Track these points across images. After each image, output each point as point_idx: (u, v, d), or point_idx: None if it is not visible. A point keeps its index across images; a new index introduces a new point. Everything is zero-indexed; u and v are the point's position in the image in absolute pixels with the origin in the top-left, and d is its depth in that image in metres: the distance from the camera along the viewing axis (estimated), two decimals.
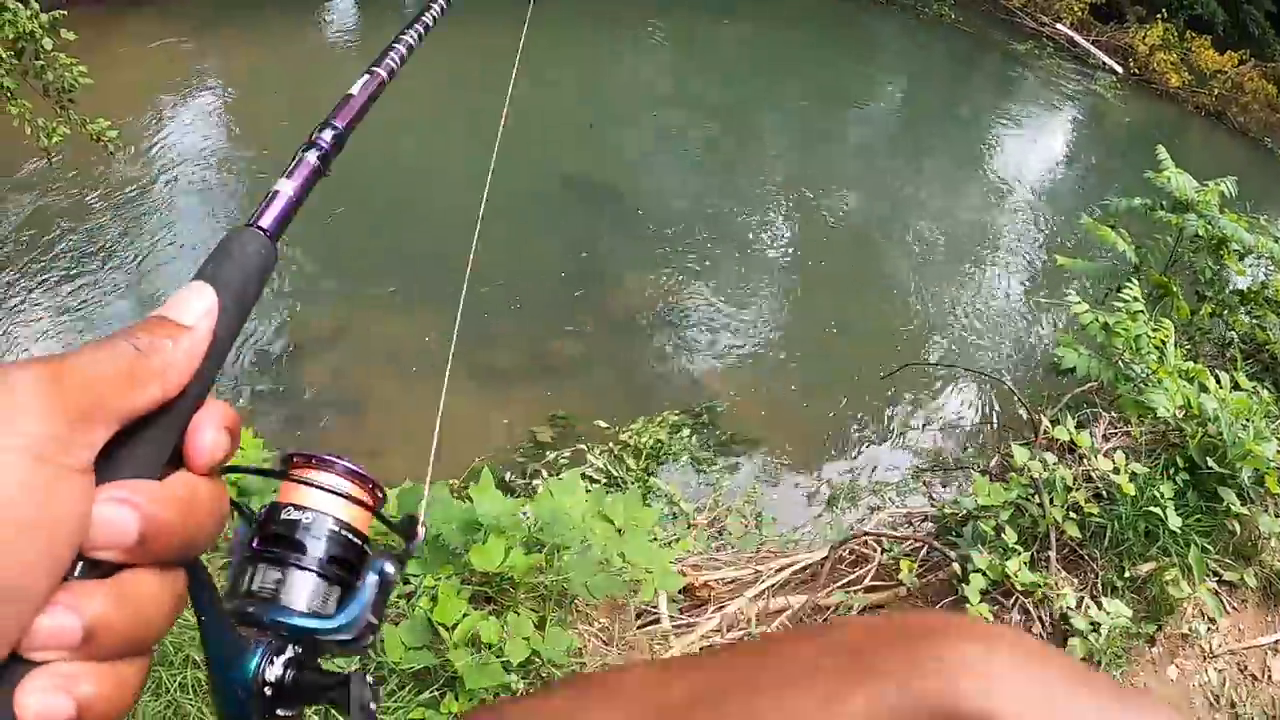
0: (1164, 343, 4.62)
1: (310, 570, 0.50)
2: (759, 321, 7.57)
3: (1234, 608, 3.95)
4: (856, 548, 4.42)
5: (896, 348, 7.19)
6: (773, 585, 4.23)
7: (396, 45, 0.81)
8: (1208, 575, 3.81)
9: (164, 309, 0.46)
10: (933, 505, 4.79)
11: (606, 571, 3.21)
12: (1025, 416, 5.32)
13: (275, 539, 0.51)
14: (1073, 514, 3.74)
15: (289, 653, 0.49)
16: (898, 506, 5.33)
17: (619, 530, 3.37)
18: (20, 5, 5.71)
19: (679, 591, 4.10)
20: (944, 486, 5.57)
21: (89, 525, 0.39)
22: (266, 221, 0.53)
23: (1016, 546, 3.65)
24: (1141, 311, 4.72)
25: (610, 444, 5.86)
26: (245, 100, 10.40)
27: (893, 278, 8.43)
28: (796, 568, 4.38)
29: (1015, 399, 5.73)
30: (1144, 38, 15.44)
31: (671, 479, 5.68)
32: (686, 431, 6.04)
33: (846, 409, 6.62)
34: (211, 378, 0.45)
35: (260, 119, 9.98)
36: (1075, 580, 3.74)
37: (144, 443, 0.42)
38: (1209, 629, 3.83)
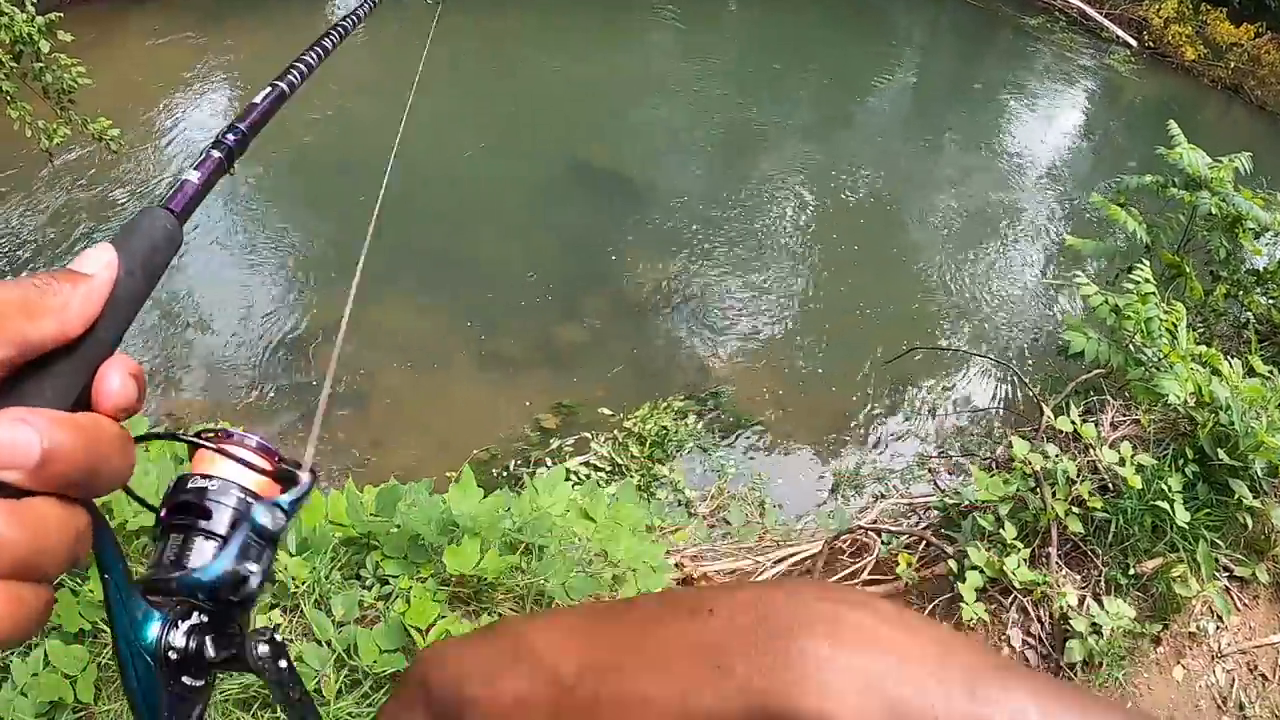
0: (1176, 325, 4.49)
1: (215, 535, 0.51)
2: (767, 306, 7.47)
3: (1244, 605, 3.80)
4: (858, 538, 4.31)
5: (906, 331, 7.08)
6: (770, 578, 4.13)
7: (298, 64, 0.93)
8: (1217, 572, 3.67)
9: (70, 264, 0.47)
10: (937, 494, 4.66)
11: (587, 571, 3.12)
12: (1036, 402, 5.20)
13: (183, 506, 0.52)
14: (1076, 508, 3.60)
15: (193, 619, 0.50)
16: (901, 495, 5.22)
17: (600, 528, 3.28)
18: (16, 9, 5.72)
19: (677, 583, 4.03)
20: (950, 474, 5.45)
21: None
22: (175, 205, 0.57)
23: (1016, 542, 3.51)
24: (1153, 293, 4.58)
25: (615, 431, 5.81)
26: (252, 92, 10.33)
27: (903, 259, 8.30)
28: (795, 559, 4.27)
29: (1022, 383, 5.62)
30: (1158, 10, 15.12)
31: (676, 466, 5.62)
32: (692, 418, 5.98)
33: (854, 394, 6.53)
34: (118, 333, 0.48)
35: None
36: (1077, 577, 3.61)
37: (49, 378, 0.44)
38: (1218, 628, 3.69)
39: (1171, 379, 4.08)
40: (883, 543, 4.14)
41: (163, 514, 0.53)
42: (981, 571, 3.45)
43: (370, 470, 5.66)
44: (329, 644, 2.72)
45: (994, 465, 4.66)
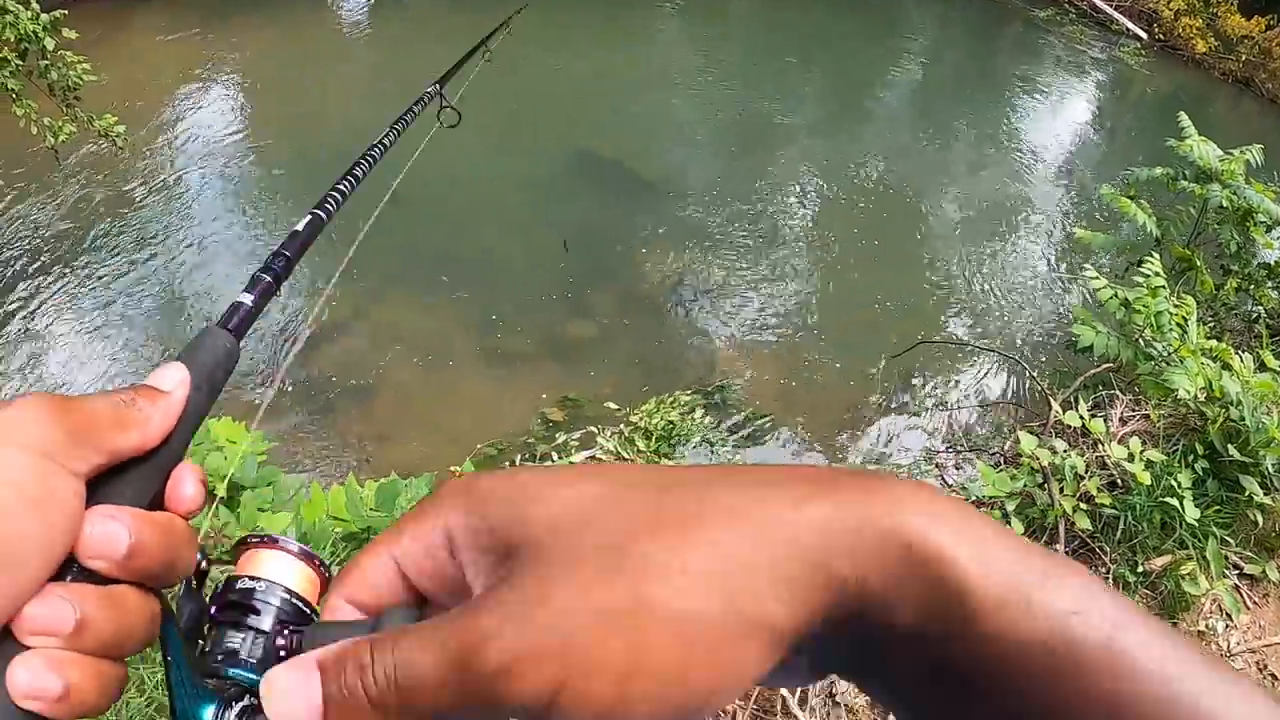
0: (1186, 320, 4.44)
1: (262, 631, 0.53)
2: (775, 300, 7.44)
3: (1254, 603, 3.75)
4: None
5: (915, 324, 7.04)
6: None
7: (333, 193, 1.03)
8: (1227, 569, 3.61)
9: (148, 380, 0.53)
10: (945, 489, 4.62)
11: None
12: (1044, 396, 5.16)
13: (231, 605, 0.54)
14: (1084, 504, 3.55)
15: (245, 701, 0.52)
16: None
17: None
18: (21, 7, 5.76)
19: None
20: (957, 469, 5.40)
21: (80, 527, 0.44)
22: (232, 325, 0.64)
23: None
24: (1163, 287, 4.54)
25: (621, 426, 5.78)
26: (258, 90, 10.47)
27: (912, 252, 8.26)
28: None
29: (1030, 377, 5.58)
30: (1168, 3, 15.00)
31: (683, 461, 5.57)
32: (699, 412, 5.95)
33: (862, 388, 6.49)
34: (187, 441, 0.53)
35: (273, 108, 10.07)
36: None
37: (131, 481, 0.49)
38: (1227, 626, 3.64)
39: (1181, 374, 4.04)
40: None
41: (213, 610, 0.55)
42: None
43: (375, 465, 5.66)
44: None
45: (1003, 460, 4.63)
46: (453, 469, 5.09)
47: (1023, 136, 10.94)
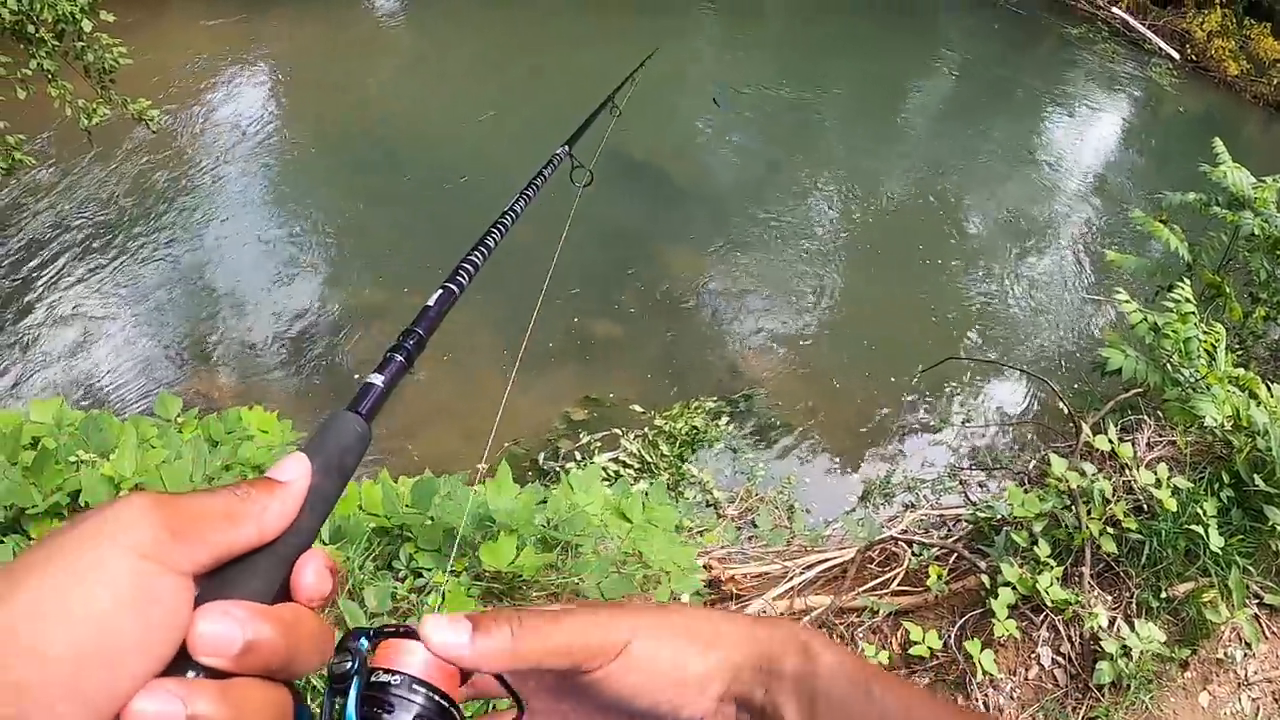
0: (1215, 346, 4.46)
1: None
2: (803, 309, 7.47)
3: (1273, 633, 3.78)
4: (887, 547, 4.31)
5: (941, 338, 7.07)
6: (800, 584, 4.14)
7: (464, 265, 1.05)
8: (1248, 599, 3.64)
9: (268, 471, 0.54)
10: (968, 507, 4.65)
11: (621, 571, 3.13)
12: (1070, 418, 5.18)
13: (369, 701, 0.54)
14: (1110, 528, 3.58)
15: None
16: (932, 506, 5.21)
17: (635, 528, 3.29)
18: None
19: (705, 584, 4.04)
20: (981, 487, 5.44)
21: (187, 624, 0.44)
22: (362, 409, 0.64)
23: (1049, 560, 3.51)
24: (1193, 313, 4.55)
25: (645, 429, 5.83)
26: (294, 77, 10.53)
27: (941, 266, 8.25)
28: (825, 566, 4.28)
29: (1058, 398, 5.59)
30: (1201, 24, 14.91)
31: (705, 466, 5.63)
32: (724, 420, 5.98)
33: (887, 401, 6.51)
34: (313, 530, 0.52)
35: (309, 95, 10.14)
36: (1109, 598, 3.59)
37: (252, 573, 0.48)
38: (1245, 655, 3.67)
39: (1209, 401, 4.06)
40: (913, 554, 4.14)
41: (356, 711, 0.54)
42: (1014, 588, 3.45)
43: (400, 457, 5.71)
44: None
45: (1027, 480, 4.66)
46: (479, 466, 5.11)
47: (1053, 152, 10.93)
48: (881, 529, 4.61)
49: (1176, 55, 14.44)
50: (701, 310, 7.34)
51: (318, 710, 0.54)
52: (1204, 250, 5.72)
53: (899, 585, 4.01)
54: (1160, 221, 5.71)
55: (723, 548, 4.51)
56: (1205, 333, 4.51)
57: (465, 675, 0.59)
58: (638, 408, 6.03)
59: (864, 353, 7.00)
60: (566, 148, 2.13)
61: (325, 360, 6.33)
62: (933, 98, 12.43)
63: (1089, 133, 11.86)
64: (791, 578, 4.12)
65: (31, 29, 5.86)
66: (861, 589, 3.99)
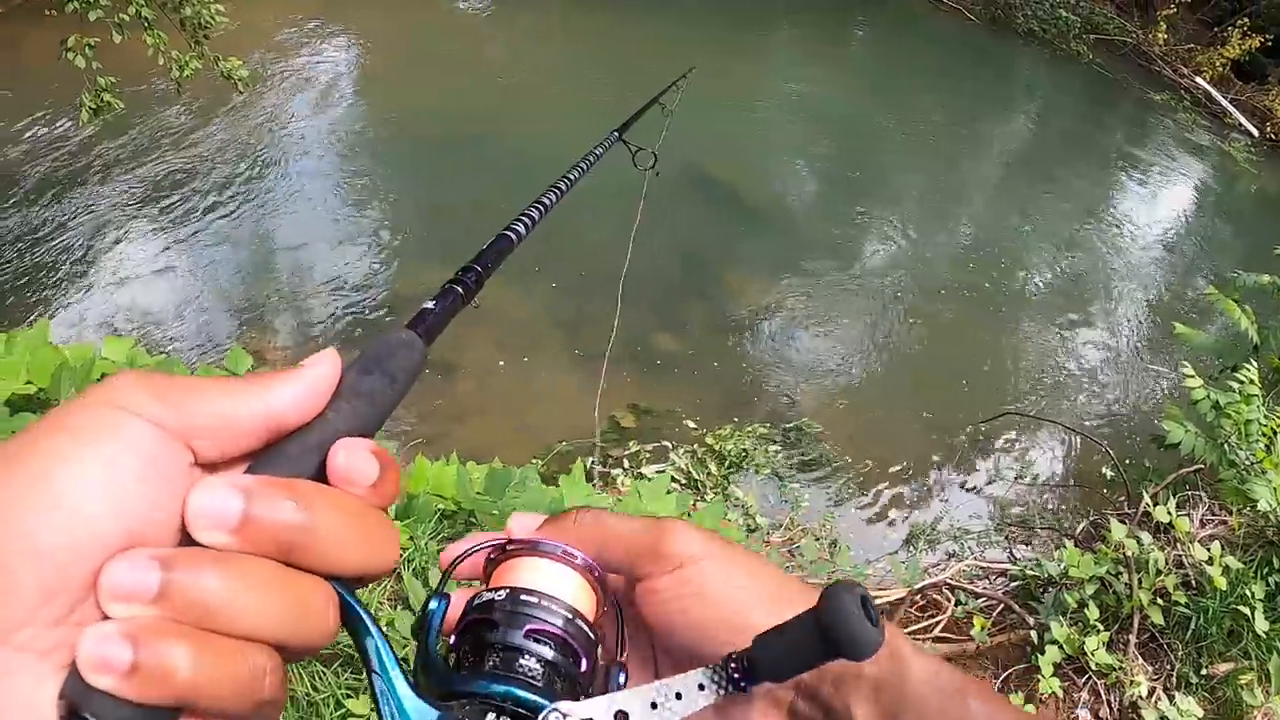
0: (1275, 432, 4.49)
1: (508, 645, 0.49)
2: (863, 346, 7.49)
3: None
4: (928, 594, 4.37)
5: (997, 389, 7.07)
6: None
7: (525, 215, 1.04)
8: None
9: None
10: (1012, 563, 4.69)
11: None
12: (1122, 484, 5.20)
13: (477, 624, 0.50)
14: (1159, 599, 3.64)
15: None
16: (976, 558, 5.23)
17: None
18: None
19: None
20: (1026, 545, 5.45)
21: (177, 492, 0.39)
22: (418, 328, 0.59)
23: (1097, 624, 3.57)
24: (1256, 395, 4.58)
25: (695, 445, 5.86)
26: (380, 55, 10.75)
27: (1004, 316, 8.26)
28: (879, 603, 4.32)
29: (1112, 465, 5.60)
30: None
31: (750, 490, 5.66)
32: (774, 447, 6.01)
33: (938, 448, 6.52)
34: (352, 427, 0.46)
35: (394, 75, 10.33)
36: (1150, 668, 3.64)
37: (273, 461, 0.43)
38: None
39: (1264, 485, 4.10)
40: (957, 602, 4.20)
41: (453, 640, 0.51)
42: (1060, 647, 3.51)
43: (447, 442, 5.77)
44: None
45: (1074, 542, 4.70)
46: (534, 460, 5.16)
47: (1124, 215, 10.88)
48: (925, 574, 4.66)
49: (1256, 131, 14.34)
50: (762, 335, 7.37)
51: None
52: (1273, 334, 5.73)
53: (941, 631, 4.07)
54: (1233, 300, 5.72)
55: None
56: (1267, 417, 4.54)
57: (604, 600, 0.54)
58: (691, 423, 6.07)
59: (919, 396, 7.01)
60: (617, 134, 2.10)
61: (380, 334, 6.45)
62: (1009, 145, 12.40)
63: (1161, 199, 11.79)
64: None
65: None
66: (905, 631, 4.05)
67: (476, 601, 0.51)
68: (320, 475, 0.43)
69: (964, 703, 0.51)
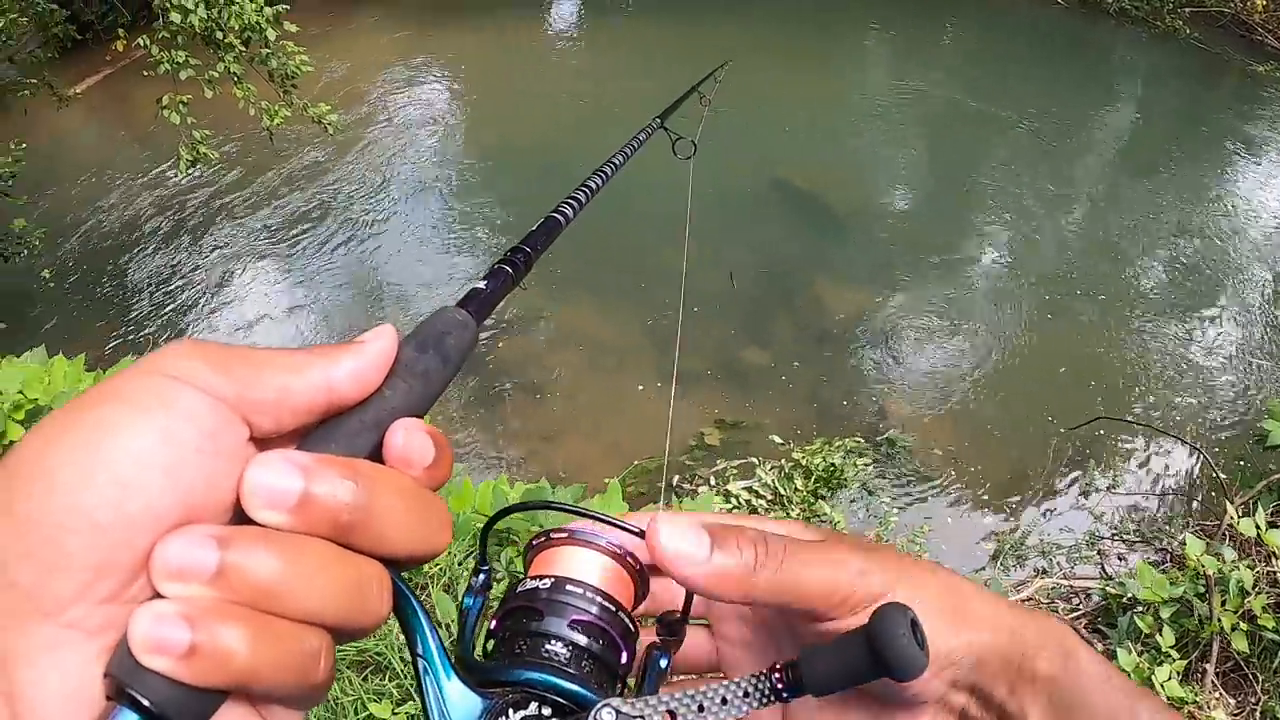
0: None
1: (553, 634, 0.49)
2: (956, 354, 7.28)
3: None
4: None
5: (1097, 395, 6.73)
6: None
7: (571, 199, 1.03)
8: None
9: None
10: (1100, 580, 4.44)
11: None
12: (1224, 495, 4.88)
13: (513, 612, 0.50)
14: (1245, 623, 3.36)
15: (529, 709, 0.46)
16: (1064, 575, 4.98)
17: None
18: None
19: None
20: (1121, 560, 5.16)
21: (233, 468, 0.38)
22: (467, 306, 0.58)
23: (1171, 651, 3.31)
24: None
25: (782, 460, 5.77)
26: (466, 92, 11.03)
27: (1104, 316, 7.86)
28: None
29: (1215, 473, 5.27)
30: None
31: (838, 505, 5.54)
32: (864, 460, 5.87)
33: (1033, 458, 6.25)
34: (411, 401, 0.46)
35: (480, 111, 10.62)
36: (1231, 701, 3.35)
37: (330, 438, 0.43)
38: None
39: None
40: None
41: (493, 626, 0.51)
42: (1129, 676, 3.27)
43: (537, 462, 5.86)
44: (448, 627, 2.84)
45: (1168, 557, 4.42)
46: (607, 481, 5.18)
47: (1236, 200, 10.20)
48: (1007, 593, 4.45)
49: None
50: (853, 346, 7.23)
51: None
52: None
53: None
54: None
55: None
56: None
57: (641, 591, 0.53)
58: (777, 438, 5.97)
59: (1013, 404, 6.76)
60: (659, 120, 2.08)
61: (471, 369, 6.52)
62: (1113, 134, 11.86)
63: (1273, 180, 11.03)
64: None
65: (220, 35, 6.33)
66: None
67: (520, 589, 0.51)
68: (376, 454, 0.43)
69: (1134, 707, 0.50)
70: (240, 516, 0.38)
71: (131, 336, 7.15)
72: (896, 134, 10.91)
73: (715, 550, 0.48)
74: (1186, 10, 14.45)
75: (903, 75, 12.68)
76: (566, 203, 1.01)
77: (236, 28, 6.30)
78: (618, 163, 1.36)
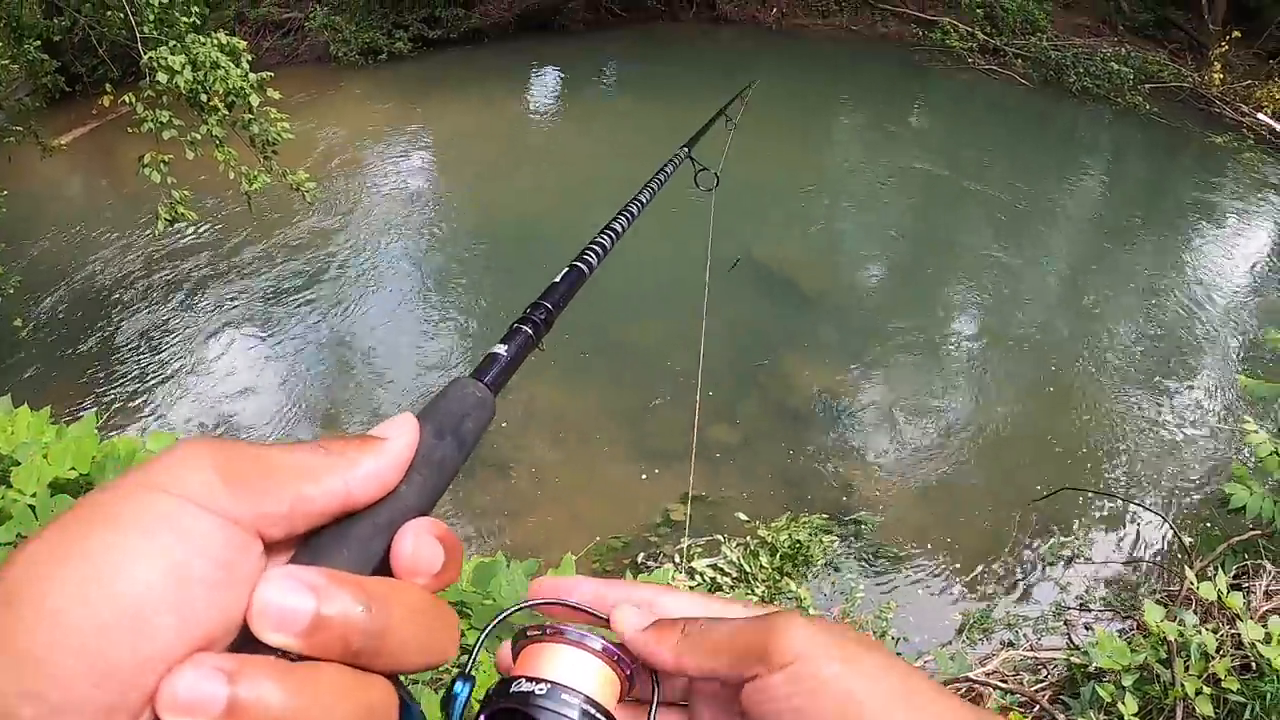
0: None
1: None
2: (923, 430, 7.28)
3: None
4: (974, 686, 4.10)
5: (1063, 467, 6.72)
6: None
7: (594, 246, 0.98)
8: None
9: (371, 431, 0.45)
10: (1068, 650, 4.38)
11: None
12: (1187, 561, 4.86)
13: (505, 713, 0.49)
14: (1209, 687, 3.30)
15: None
16: (1031, 646, 4.92)
17: None
18: (232, 64, 6.32)
19: None
20: (1088, 629, 5.10)
21: (244, 590, 0.36)
22: (485, 377, 0.57)
23: (1134, 719, 3.25)
24: None
25: (748, 538, 5.73)
26: (448, 162, 11.21)
27: (1070, 388, 7.90)
28: None
29: (1179, 539, 5.27)
30: None
31: (805, 583, 5.49)
32: (830, 538, 5.85)
33: (1000, 531, 6.21)
34: (425, 499, 0.45)
35: (460, 180, 10.83)
36: None
37: (342, 545, 0.41)
38: None
39: None
40: (998, 696, 3.92)
41: (483, 717, 0.49)
42: None
43: (503, 538, 5.81)
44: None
45: (1135, 625, 4.37)
46: (569, 556, 5.12)
47: (1192, 269, 10.37)
48: (973, 665, 4.39)
49: None
50: (820, 423, 7.23)
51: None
52: None
53: None
54: None
55: None
56: None
57: (626, 687, 0.52)
58: (743, 516, 5.93)
59: (980, 479, 6.75)
60: (686, 149, 2.08)
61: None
62: (1073, 210, 12.07)
63: (1233, 247, 11.19)
64: None
65: (204, 97, 6.38)
66: None
67: (513, 689, 0.49)
68: (386, 556, 0.42)
69: None
70: (248, 633, 0.36)
71: (105, 394, 7.12)
72: (866, 210, 11.11)
73: (656, 626, 0.52)
74: (1146, 86, 14.89)
75: (873, 153, 12.94)
76: (590, 250, 0.97)
77: (221, 91, 6.36)
78: (644, 200, 1.32)
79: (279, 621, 0.36)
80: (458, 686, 0.49)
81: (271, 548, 0.39)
